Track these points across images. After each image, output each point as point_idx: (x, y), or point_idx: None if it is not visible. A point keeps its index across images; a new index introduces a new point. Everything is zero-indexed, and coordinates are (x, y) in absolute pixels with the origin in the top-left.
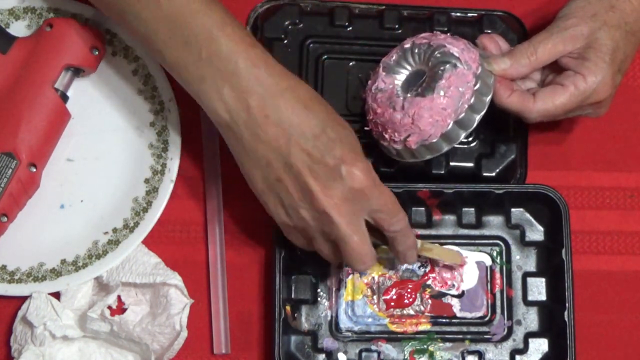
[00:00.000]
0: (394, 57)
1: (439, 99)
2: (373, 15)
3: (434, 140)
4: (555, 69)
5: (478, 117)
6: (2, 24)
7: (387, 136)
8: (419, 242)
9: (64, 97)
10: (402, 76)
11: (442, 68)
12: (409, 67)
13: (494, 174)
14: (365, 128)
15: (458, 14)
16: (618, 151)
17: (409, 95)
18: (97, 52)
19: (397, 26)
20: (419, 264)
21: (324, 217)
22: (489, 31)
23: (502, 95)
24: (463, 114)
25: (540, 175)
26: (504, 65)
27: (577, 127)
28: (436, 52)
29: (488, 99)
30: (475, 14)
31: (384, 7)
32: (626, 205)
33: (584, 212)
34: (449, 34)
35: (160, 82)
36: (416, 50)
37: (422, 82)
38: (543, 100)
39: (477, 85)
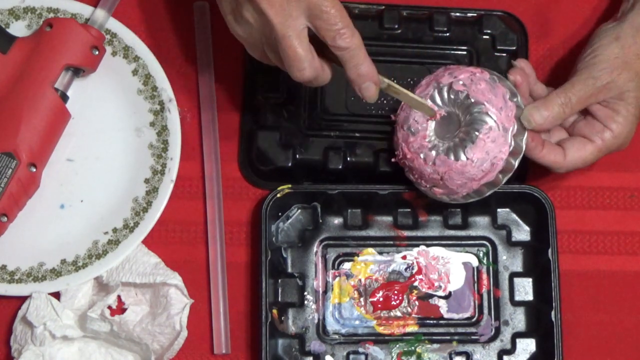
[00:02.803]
0: (429, 94)
1: (471, 166)
2: (372, 16)
3: (460, 196)
4: (582, 111)
5: (506, 178)
6: (2, 24)
7: (412, 178)
8: (386, 81)
9: (64, 97)
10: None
11: (477, 130)
12: (442, 106)
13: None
14: (392, 160)
15: (457, 14)
16: (618, 151)
17: (441, 149)
18: (97, 52)
19: (396, 26)
20: (405, 266)
21: (261, 16)
22: (489, 30)
23: (534, 151)
24: (494, 177)
25: (540, 175)
26: (541, 120)
27: None
28: (474, 110)
29: (517, 161)
30: (475, 14)
31: (383, 7)
32: (626, 205)
33: (583, 212)
34: (486, 75)
35: (160, 82)
36: (452, 96)
37: (455, 136)
38: (572, 156)
39: (512, 146)
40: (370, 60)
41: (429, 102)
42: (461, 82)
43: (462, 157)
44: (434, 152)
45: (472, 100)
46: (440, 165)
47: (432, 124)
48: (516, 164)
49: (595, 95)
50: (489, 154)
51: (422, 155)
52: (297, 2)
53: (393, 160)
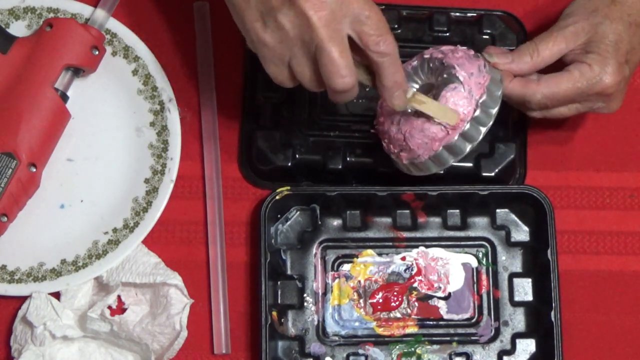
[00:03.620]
0: (411, 66)
1: (430, 122)
2: None
3: (422, 161)
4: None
5: (470, 146)
6: (2, 24)
7: (385, 145)
8: (412, 90)
9: (64, 97)
10: (415, 85)
11: (442, 90)
12: (423, 78)
13: (493, 174)
14: (371, 130)
15: (457, 14)
16: (618, 151)
17: (409, 110)
18: (97, 52)
19: (396, 26)
20: (404, 267)
21: (302, 20)
22: (489, 30)
23: (504, 83)
24: (455, 140)
25: (540, 175)
26: (506, 59)
27: (577, 127)
28: (444, 72)
29: (484, 129)
30: (475, 14)
31: (383, 7)
32: (626, 205)
33: (583, 212)
34: (471, 52)
35: (160, 82)
36: (431, 65)
37: None
38: (547, 82)
39: (477, 113)
40: (402, 68)
41: (451, 110)
42: (440, 51)
43: (423, 115)
44: (400, 112)
45: (445, 64)
46: (404, 124)
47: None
48: (482, 134)
49: (564, 40)
50: None
51: (391, 117)
52: (341, 7)
53: (372, 131)
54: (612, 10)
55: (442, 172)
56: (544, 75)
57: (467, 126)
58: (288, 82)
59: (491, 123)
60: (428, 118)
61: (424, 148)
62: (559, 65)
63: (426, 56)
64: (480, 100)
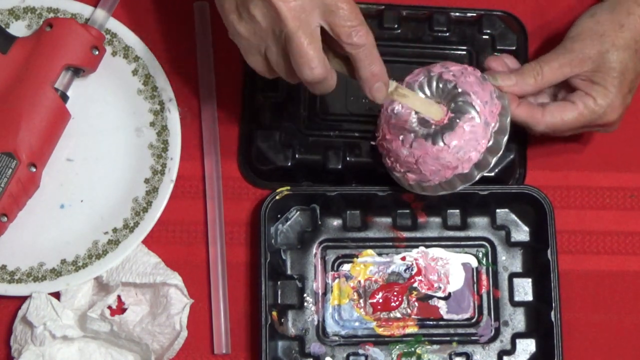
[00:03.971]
0: (418, 81)
1: (447, 152)
2: (372, 15)
3: (432, 185)
4: (567, 88)
5: (480, 174)
6: (2, 24)
7: (388, 162)
8: (394, 83)
9: (64, 97)
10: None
11: (458, 119)
12: (429, 95)
13: (493, 174)
14: (372, 143)
15: (457, 14)
16: (618, 151)
17: (420, 133)
18: (97, 52)
19: (396, 26)
20: (404, 267)
21: (272, 11)
22: (489, 30)
23: (510, 105)
24: (467, 171)
25: (540, 175)
26: (510, 82)
27: None
28: (458, 98)
29: (495, 158)
30: (475, 14)
31: (383, 7)
32: (626, 205)
33: (583, 212)
34: (478, 73)
35: (160, 82)
36: (441, 85)
37: (437, 124)
38: (552, 114)
39: (490, 143)
40: (381, 60)
41: (436, 105)
42: (451, 73)
43: (440, 142)
44: (412, 135)
45: (459, 90)
46: (417, 148)
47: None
48: (493, 161)
49: (569, 65)
50: (466, 143)
51: (400, 137)
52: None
53: (372, 143)
54: (620, 37)
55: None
56: (549, 105)
57: (481, 157)
58: (267, 73)
59: (502, 151)
60: (441, 148)
61: (436, 174)
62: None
63: (433, 74)
64: (494, 130)
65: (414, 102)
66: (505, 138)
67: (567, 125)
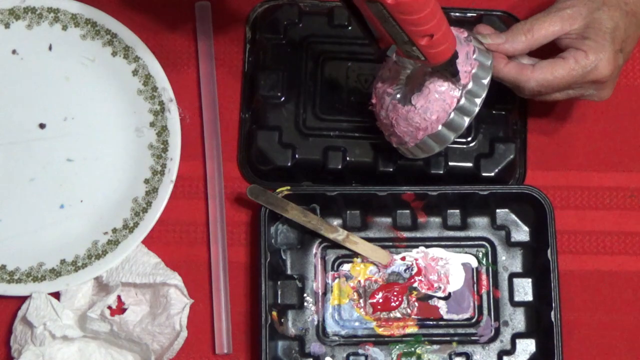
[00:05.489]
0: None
1: (414, 113)
2: None
3: (410, 146)
4: (557, 53)
5: (454, 135)
6: (2, 24)
7: (379, 126)
8: (344, 232)
9: None
10: (407, 71)
11: (426, 79)
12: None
13: (492, 174)
14: (369, 107)
15: (457, 14)
16: (618, 151)
17: (395, 97)
18: None
19: None
20: (404, 267)
21: None
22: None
23: (497, 67)
24: (439, 129)
25: (540, 175)
26: (500, 40)
27: (577, 127)
28: None
29: (469, 119)
30: (475, 14)
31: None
32: (626, 205)
33: (583, 212)
34: (463, 34)
35: (160, 82)
36: None
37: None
38: (542, 70)
39: (461, 102)
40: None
41: (382, 251)
42: None
43: (409, 104)
44: (389, 99)
45: None
46: (391, 111)
47: (404, 74)
48: (466, 123)
49: (560, 22)
50: (432, 103)
51: (381, 101)
52: None
53: (370, 107)
54: None
55: (441, 171)
56: (539, 62)
57: (452, 115)
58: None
59: (477, 110)
60: (409, 109)
61: (409, 136)
62: (553, 48)
63: None
64: (466, 89)
65: (363, 248)
66: (482, 97)
67: (558, 80)
